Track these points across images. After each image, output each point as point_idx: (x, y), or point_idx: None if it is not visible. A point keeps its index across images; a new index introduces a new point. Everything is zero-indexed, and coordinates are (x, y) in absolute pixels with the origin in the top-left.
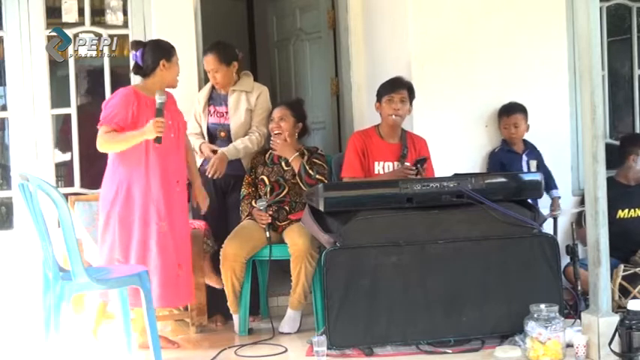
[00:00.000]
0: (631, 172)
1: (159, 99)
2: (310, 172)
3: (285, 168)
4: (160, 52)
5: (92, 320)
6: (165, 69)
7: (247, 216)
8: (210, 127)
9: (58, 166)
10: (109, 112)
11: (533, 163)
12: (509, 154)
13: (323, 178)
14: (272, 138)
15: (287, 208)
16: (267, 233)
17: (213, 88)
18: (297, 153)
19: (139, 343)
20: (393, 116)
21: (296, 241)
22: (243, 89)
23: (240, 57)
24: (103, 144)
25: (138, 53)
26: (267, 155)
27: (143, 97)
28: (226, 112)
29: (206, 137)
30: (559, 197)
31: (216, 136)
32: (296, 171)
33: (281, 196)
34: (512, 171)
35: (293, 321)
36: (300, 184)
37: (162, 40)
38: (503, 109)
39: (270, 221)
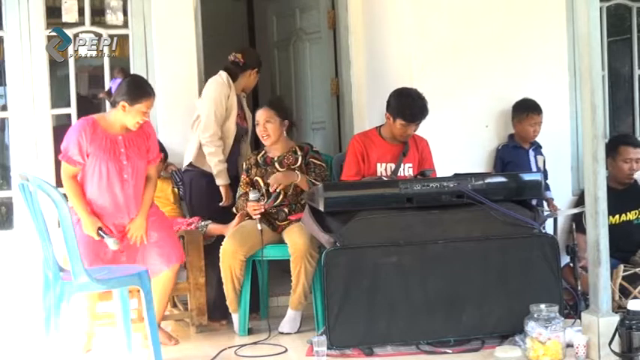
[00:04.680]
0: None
1: (108, 241)
2: (316, 182)
3: (280, 169)
4: (126, 93)
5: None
6: (124, 111)
7: (247, 215)
8: (239, 130)
9: None
10: (65, 145)
11: (541, 159)
12: (516, 150)
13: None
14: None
15: (286, 210)
16: (259, 226)
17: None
18: (299, 174)
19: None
20: (403, 137)
21: (296, 241)
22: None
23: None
24: (64, 185)
25: (116, 81)
26: (259, 156)
27: (101, 129)
28: (244, 117)
29: (231, 140)
30: (552, 198)
31: (240, 139)
32: (306, 190)
33: (279, 200)
34: (519, 166)
35: (293, 321)
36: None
37: (140, 82)
38: (532, 107)
39: (262, 211)
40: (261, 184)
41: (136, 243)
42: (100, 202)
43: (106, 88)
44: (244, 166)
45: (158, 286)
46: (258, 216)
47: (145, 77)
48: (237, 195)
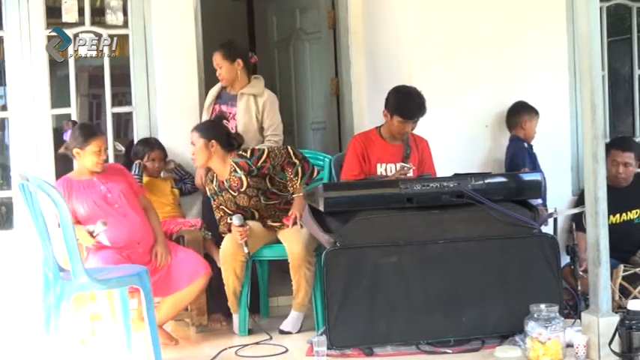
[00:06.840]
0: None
1: (97, 228)
2: (304, 179)
3: (234, 194)
4: (75, 139)
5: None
6: (80, 157)
7: (229, 231)
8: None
9: None
10: None
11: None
12: (530, 150)
13: (295, 171)
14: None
15: (270, 222)
16: (246, 249)
17: (223, 87)
18: (296, 195)
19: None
20: (401, 134)
21: (292, 249)
22: (252, 92)
23: (252, 60)
24: None
25: (67, 133)
26: (214, 183)
27: (75, 181)
28: (231, 114)
29: None
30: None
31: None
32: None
33: (256, 219)
34: (536, 167)
35: (296, 321)
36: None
37: (86, 126)
38: (535, 109)
39: (247, 238)
40: (228, 211)
41: (165, 260)
42: (111, 237)
43: (106, 88)
44: (208, 191)
45: (183, 293)
46: (245, 239)
47: (145, 77)
48: (217, 219)
